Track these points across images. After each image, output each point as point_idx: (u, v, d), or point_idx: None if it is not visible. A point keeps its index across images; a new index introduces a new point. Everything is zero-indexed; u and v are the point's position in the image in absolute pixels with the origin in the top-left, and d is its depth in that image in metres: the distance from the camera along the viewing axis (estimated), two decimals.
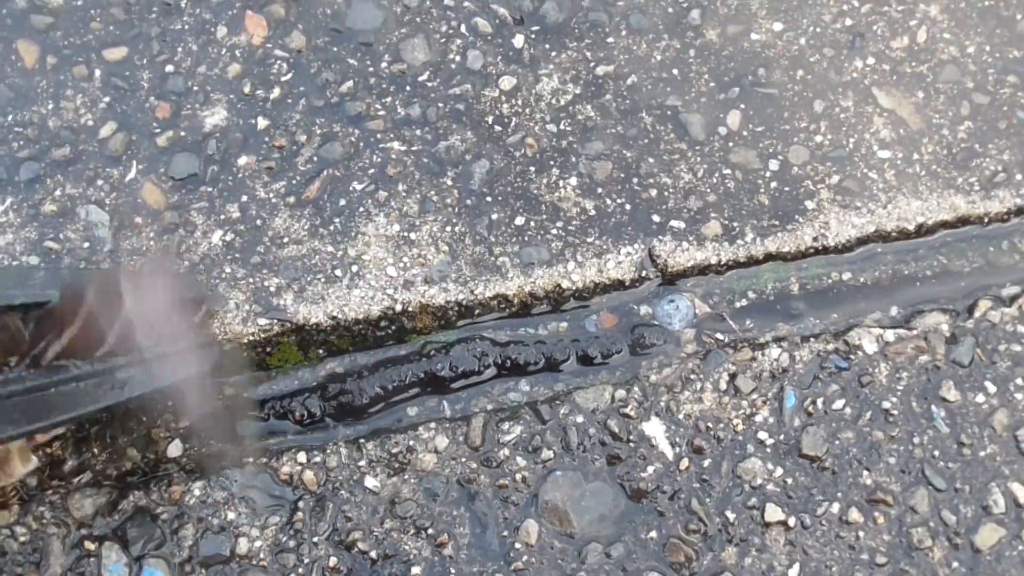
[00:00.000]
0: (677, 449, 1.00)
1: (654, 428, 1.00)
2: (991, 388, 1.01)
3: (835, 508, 0.97)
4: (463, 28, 1.11)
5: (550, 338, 1.03)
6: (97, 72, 1.09)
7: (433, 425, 0.99)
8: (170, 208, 1.03)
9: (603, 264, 1.03)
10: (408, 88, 1.08)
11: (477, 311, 1.02)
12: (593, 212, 1.04)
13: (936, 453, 1.00)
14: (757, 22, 1.13)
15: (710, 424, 1.00)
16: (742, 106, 1.09)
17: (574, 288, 1.02)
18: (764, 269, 1.06)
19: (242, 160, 1.05)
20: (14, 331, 0.76)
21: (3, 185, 1.04)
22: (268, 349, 1.00)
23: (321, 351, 1.01)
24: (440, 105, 1.07)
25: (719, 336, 1.04)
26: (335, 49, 1.10)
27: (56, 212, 1.03)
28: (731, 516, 0.97)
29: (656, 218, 1.05)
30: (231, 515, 0.95)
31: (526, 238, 1.03)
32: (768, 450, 1.00)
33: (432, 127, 1.07)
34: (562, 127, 1.07)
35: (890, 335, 1.04)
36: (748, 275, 1.06)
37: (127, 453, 0.98)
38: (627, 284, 1.04)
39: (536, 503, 0.97)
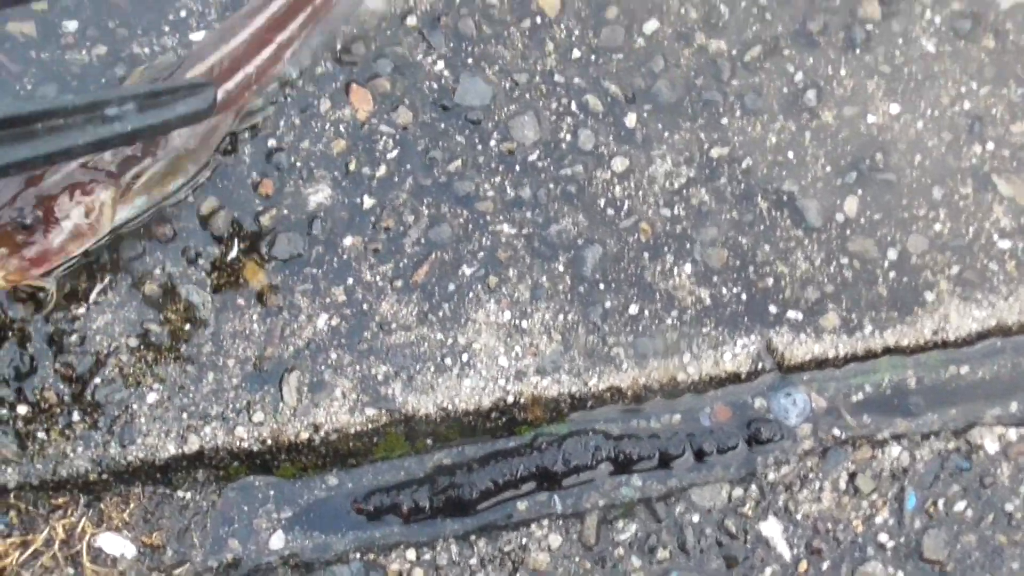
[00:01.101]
0: (795, 551, 1.01)
1: (771, 528, 1.02)
2: None
3: None
4: (574, 106, 1.13)
5: (664, 431, 1.05)
6: None
7: (545, 522, 1.01)
8: (273, 290, 1.05)
9: (719, 356, 1.05)
10: (518, 168, 1.10)
11: (590, 403, 1.04)
12: (708, 301, 1.07)
13: None
14: (874, 104, 1.15)
15: (829, 525, 1.02)
16: (860, 192, 1.12)
17: (690, 381, 1.04)
18: (882, 363, 1.08)
19: (347, 241, 1.07)
20: None
21: (104, 264, 1.05)
22: (375, 439, 1.02)
23: (429, 441, 1.03)
24: (551, 186, 1.10)
25: (836, 432, 1.06)
26: (442, 126, 1.12)
27: (157, 291, 1.04)
28: None
29: (773, 308, 1.07)
30: None
31: (640, 328, 1.05)
32: (888, 553, 1.02)
33: (543, 209, 1.09)
34: (676, 211, 1.09)
35: (1012, 434, 1.06)
36: (866, 369, 1.08)
37: (228, 544, 1.00)
38: (743, 377, 1.05)
39: None
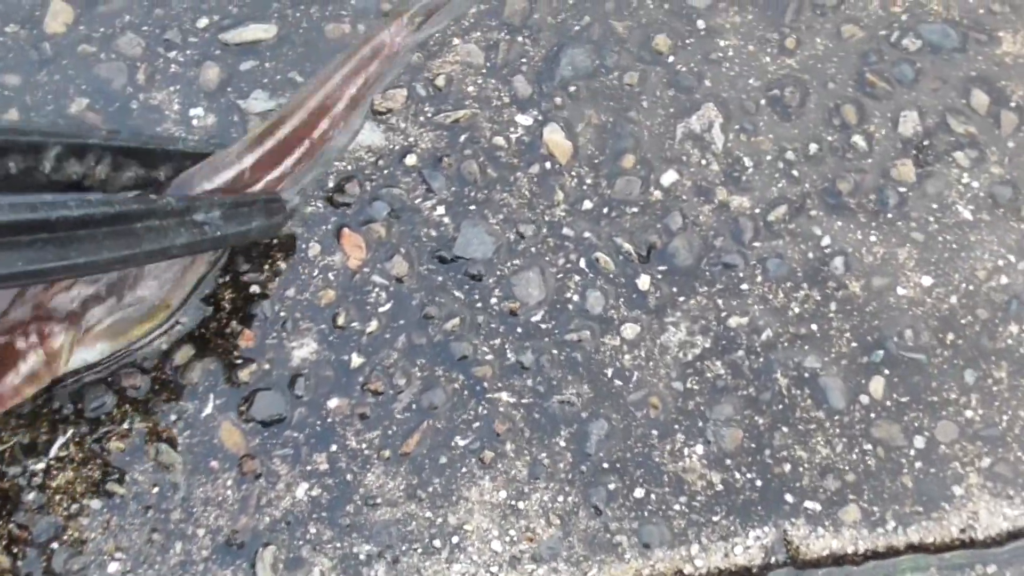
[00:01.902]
0: None
1: None
2: None
3: None
4: (582, 263, 1.17)
5: None
6: None
7: None
8: (250, 453, 1.08)
9: (730, 549, 1.09)
10: (520, 330, 1.14)
11: None
12: (720, 487, 1.10)
13: None
14: (904, 275, 1.20)
15: None
16: (886, 372, 1.16)
17: (697, 574, 1.07)
18: (904, 561, 1.11)
19: (333, 403, 1.11)
20: None
21: (67, 415, 1.08)
22: None
23: None
24: (555, 352, 1.13)
25: None
26: (440, 279, 1.16)
27: (123, 449, 1.07)
28: None
29: (789, 498, 1.11)
30: None
31: (646, 513, 1.09)
32: None
33: (545, 378, 1.13)
34: (689, 385, 1.14)
35: None
36: (886, 566, 1.11)
37: None
38: (754, 572, 1.08)
39: None
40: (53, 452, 1.10)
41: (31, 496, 1.08)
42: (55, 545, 1.07)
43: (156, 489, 1.09)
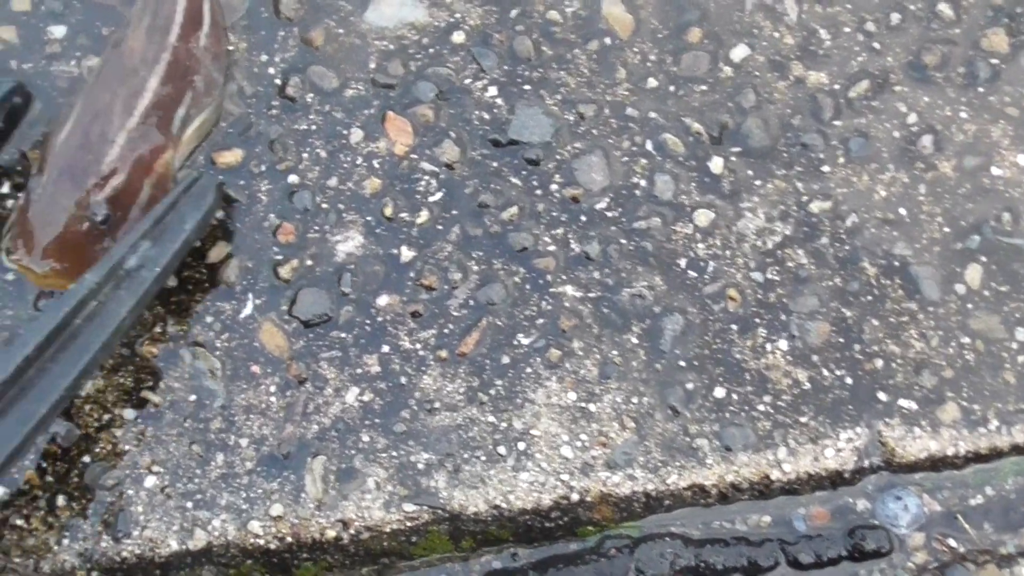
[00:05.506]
0: None
1: None
2: None
3: None
4: (649, 145, 1.11)
5: (751, 534, 1.03)
6: None
7: None
8: (294, 356, 1.02)
9: (820, 452, 1.03)
10: (584, 218, 1.08)
11: (667, 502, 1.01)
12: (807, 385, 1.05)
13: None
14: (1000, 153, 1.13)
15: None
16: (983, 259, 1.10)
17: (785, 480, 1.02)
18: (1007, 462, 1.06)
19: (382, 300, 1.05)
20: None
21: None
22: (413, 539, 0.99)
23: (476, 542, 1.01)
24: (623, 242, 1.07)
25: (952, 543, 1.04)
26: (495, 165, 1.10)
27: (156, 354, 1.01)
28: None
29: (882, 396, 1.05)
30: None
31: (727, 415, 1.03)
32: None
33: (613, 269, 1.07)
34: (769, 276, 1.08)
35: None
36: (988, 469, 1.06)
37: None
38: (846, 477, 1.03)
39: None
40: None
41: None
42: (86, 459, 1.01)
43: (193, 397, 1.03)
